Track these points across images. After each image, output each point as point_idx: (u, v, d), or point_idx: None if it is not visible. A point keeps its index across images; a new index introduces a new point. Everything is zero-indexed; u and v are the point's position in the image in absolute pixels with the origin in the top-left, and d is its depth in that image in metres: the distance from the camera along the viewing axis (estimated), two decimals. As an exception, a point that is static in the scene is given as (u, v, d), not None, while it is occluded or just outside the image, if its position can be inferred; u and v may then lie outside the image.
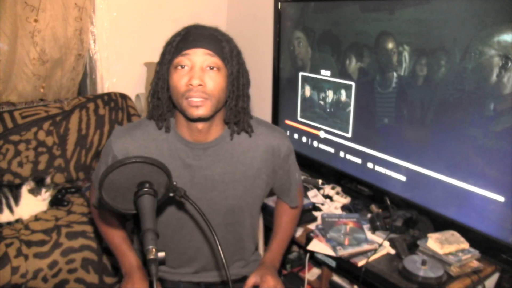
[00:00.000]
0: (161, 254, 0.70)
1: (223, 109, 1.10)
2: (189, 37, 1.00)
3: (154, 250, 0.69)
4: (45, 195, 1.93)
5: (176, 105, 1.06)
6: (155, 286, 0.65)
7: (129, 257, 1.18)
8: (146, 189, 0.80)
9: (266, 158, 1.16)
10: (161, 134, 1.12)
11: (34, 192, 1.91)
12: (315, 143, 2.08)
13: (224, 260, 0.80)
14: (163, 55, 1.05)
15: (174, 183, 0.85)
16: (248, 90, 1.10)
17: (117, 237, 1.23)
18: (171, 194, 0.85)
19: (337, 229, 1.61)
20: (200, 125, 1.07)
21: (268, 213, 1.83)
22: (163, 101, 1.06)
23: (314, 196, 1.96)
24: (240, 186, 1.15)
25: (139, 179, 0.81)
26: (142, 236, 0.72)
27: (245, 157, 1.14)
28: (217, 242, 0.80)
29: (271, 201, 1.91)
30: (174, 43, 1.01)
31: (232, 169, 1.13)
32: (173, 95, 1.04)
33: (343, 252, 1.50)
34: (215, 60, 1.00)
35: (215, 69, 1.00)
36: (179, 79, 1.00)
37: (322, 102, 1.99)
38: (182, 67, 0.99)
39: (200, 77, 0.98)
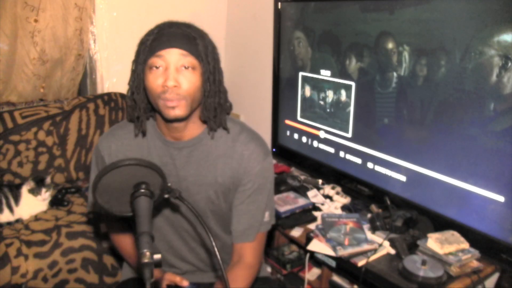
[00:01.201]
0: (157, 257, 0.69)
1: (199, 107, 1.08)
2: (162, 37, 0.98)
3: (148, 253, 0.68)
4: (45, 195, 1.93)
5: (153, 105, 1.05)
6: None
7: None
8: (142, 190, 0.79)
9: (238, 167, 1.11)
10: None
11: (34, 192, 1.91)
12: (315, 143, 2.08)
13: (219, 260, 0.79)
14: (137, 54, 1.03)
15: (169, 184, 0.84)
16: (224, 86, 1.09)
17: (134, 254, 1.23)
18: (166, 196, 0.84)
19: (337, 229, 1.61)
20: (176, 124, 1.07)
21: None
22: (139, 102, 1.05)
23: (314, 196, 1.96)
24: (211, 191, 1.13)
25: (134, 181, 0.80)
26: (137, 239, 0.71)
27: (218, 162, 1.11)
28: (213, 244, 0.80)
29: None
30: (147, 42, 0.99)
31: (205, 172, 1.11)
32: (149, 96, 1.03)
33: (343, 252, 1.50)
34: (189, 60, 0.99)
35: (190, 68, 0.99)
36: (154, 80, 0.98)
37: (322, 102, 1.99)
38: (157, 67, 0.98)
39: (175, 78, 0.97)
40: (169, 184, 0.84)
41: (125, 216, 0.84)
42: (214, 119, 1.07)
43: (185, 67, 0.98)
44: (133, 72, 1.04)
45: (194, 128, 1.10)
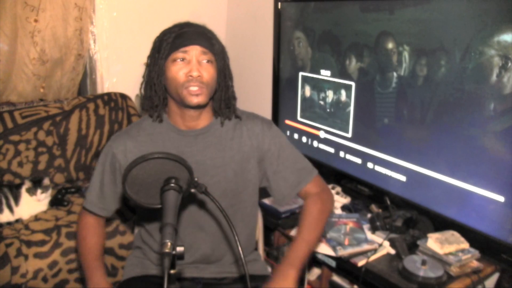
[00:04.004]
0: (180, 249, 0.71)
1: (211, 100, 1.20)
2: (185, 35, 1.12)
3: (169, 244, 0.70)
4: (41, 196, 1.92)
5: (173, 95, 1.15)
6: (165, 278, 0.66)
7: (97, 277, 1.18)
8: (172, 184, 0.83)
9: (251, 144, 1.23)
10: (155, 128, 1.21)
11: (30, 192, 1.91)
12: (315, 143, 2.08)
13: (241, 254, 0.81)
14: (157, 50, 1.14)
15: (196, 179, 0.87)
16: (232, 81, 1.22)
17: (94, 249, 1.22)
18: (192, 190, 0.87)
19: (337, 229, 1.61)
20: (192, 112, 1.17)
21: (268, 212, 1.83)
22: (159, 92, 1.16)
23: (314, 196, 1.95)
24: (230, 170, 1.21)
25: (161, 174, 0.84)
26: (161, 229, 0.74)
27: (232, 143, 1.22)
28: (236, 238, 0.82)
29: (270, 201, 1.91)
30: (169, 39, 1.11)
31: (222, 153, 1.21)
32: (171, 86, 1.13)
33: (343, 252, 1.50)
34: (209, 56, 1.13)
35: (209, 62, 1.13)
36: (178, 71, 1.11)
37: (322, 102, 1.99)
38: (182, 60, 1.11)
39: (198, 69, 1.10)
40: (196, 179, 0.87)
41: (154, 208, 0.87)
42: (228, 109, 1.21)
43: (205, 61, 1.12)
44: (152, 65, 1.15)
45: (207, 118, 1.21)
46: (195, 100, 1.11)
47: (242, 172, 1.23)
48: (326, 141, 2.02)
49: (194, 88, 1.10)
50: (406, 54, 1.58)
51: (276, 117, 2.30)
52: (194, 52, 1.11)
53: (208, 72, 1.12)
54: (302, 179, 1.28)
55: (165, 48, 1.11)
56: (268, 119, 1.30)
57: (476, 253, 1.43)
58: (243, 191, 1.24)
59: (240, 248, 0.82)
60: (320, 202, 1.27)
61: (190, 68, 1.10)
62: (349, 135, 1.88)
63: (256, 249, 1.42)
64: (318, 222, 1.24)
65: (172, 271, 0.71)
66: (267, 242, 2.08)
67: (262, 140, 1.24)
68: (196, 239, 1.24)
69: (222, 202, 1.18)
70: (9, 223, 1.86)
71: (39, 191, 1.92)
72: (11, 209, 1.87)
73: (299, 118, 2.15)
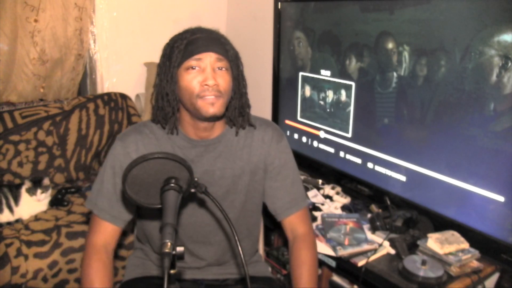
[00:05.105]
0: (180, 249, 0.71)
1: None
2: (198, 41, 1.06)
3: (169, 244, 0.70)
4: (41, 196, 1.92)
5: (186, 105, 1.10)
6: (165, 278, 0.67)
7: None
8: (172, 184, 0.83)
9: (260, 153, 1.21)
10: (164, 134, 1.17)
11: (30, 192, 1.91)
12: (315, 143, 2.08)
13: (242, 257, 0.81)
14: (168, 57, 1.08)
15: (196, 179, 0.87)
16: (246, 89, 1.18)
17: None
18: (192, 190, 0.87)
19: (337, 229, 1.61)
20: (206, 124, 1.13)
21: (267, 212, 1.83)
22: (172, 102, 1.10)
23: (314, 196, 1.96)
24: (240, 181, 1.19)
25: (162, 174, 0.84)
26: (160, 229, 0.74)
27: (242, 153, 1.19)
28: (236, 238, 0.82)
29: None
30: (181, 46, 1.06)
31: (232, 164, 1.18)
32: (184, 96, 1.08)
33: (343, 252, 1.50)
34: (224, 62, 1.08)
35: (224, 69, 1.08)
36: (192, 79, 1.05)
37: (322, 102, 1.99)
38: (194, 68, 1.05)
39: (213, 77, 1.05)
40: (196, 179, 0.87)
41: (153, 208, 0.87)
42: (242, 118, 1.17)
43: (220, 68, 1.07)
44: (163, 74, 1.09)
45: (219, 127, 1.18)
46: (211, 110, 1.05)
47: (251, 182, 1.21)
48: (326, 141, 2.02)
49: (210, 97, 1.04)
50: (406, 54, 1.58)
51: (276, 117, 2.30)
52: (209, 59, 1.05)
53: (224, 80, 1.07)
54: (294, 204, 1.25)
55: (177, 56, 1.05)
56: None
57: (476, 253, 1.43)
58: (250, 200, 1.23)
59: (242, 255, 0.81)
60: (310, 248, 1.23)
61: (205, 77, 1.04)
62: (349, 135, 1.88)
63: (257, 250, 1.42)
64: (315, 271, 1.21)
65: (172, 271, 0.71)
66: (267, 242, 2.08)
67: (268, 152, 1.21)
68: (202, 250, 1.23)
69: (230, 213, 1.18)
70: (9, 223, 1.86)
71: (39, 191, 1.92)
72: (11, 209, 1.87)
73: (299, 118, 2.15)
